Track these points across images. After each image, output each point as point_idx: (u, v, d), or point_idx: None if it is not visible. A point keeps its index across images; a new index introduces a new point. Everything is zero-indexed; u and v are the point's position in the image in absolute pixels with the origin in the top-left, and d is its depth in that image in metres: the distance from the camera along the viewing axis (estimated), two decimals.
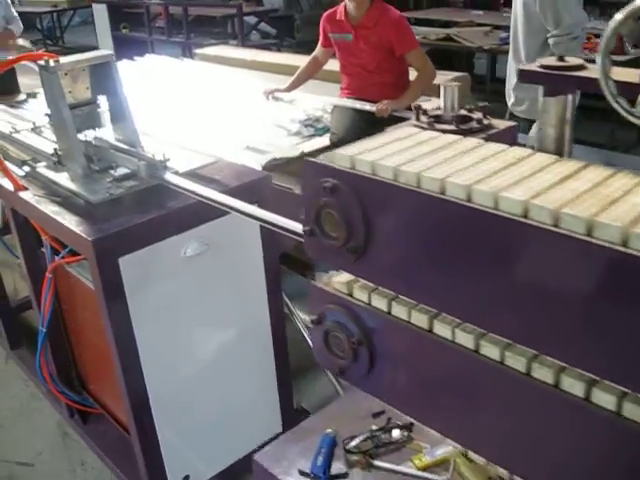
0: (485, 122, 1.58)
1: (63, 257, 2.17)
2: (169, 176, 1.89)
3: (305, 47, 9.80)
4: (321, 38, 3.65)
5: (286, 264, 2.27)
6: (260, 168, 2.84)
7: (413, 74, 3.51)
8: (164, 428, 2.13)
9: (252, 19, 9.36)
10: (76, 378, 2.63)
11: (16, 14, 5.65)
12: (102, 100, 2.23)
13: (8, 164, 2.34)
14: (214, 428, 2.29)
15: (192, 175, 2.02)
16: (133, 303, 1.92)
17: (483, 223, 0.93)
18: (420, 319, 1.11)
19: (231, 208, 1.71)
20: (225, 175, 2.09)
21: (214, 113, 3.61)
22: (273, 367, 2.41)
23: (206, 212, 1.89)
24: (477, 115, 1.60)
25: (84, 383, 2.64)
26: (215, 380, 2.24)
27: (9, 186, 2.22)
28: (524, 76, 1.56)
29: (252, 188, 2.06)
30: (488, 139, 1.29)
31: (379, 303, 1.20)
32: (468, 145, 1.11)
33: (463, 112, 1.62)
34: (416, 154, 1.09)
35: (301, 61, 4.00)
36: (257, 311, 2.28)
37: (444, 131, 1.27)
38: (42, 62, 2.04)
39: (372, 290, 1.22)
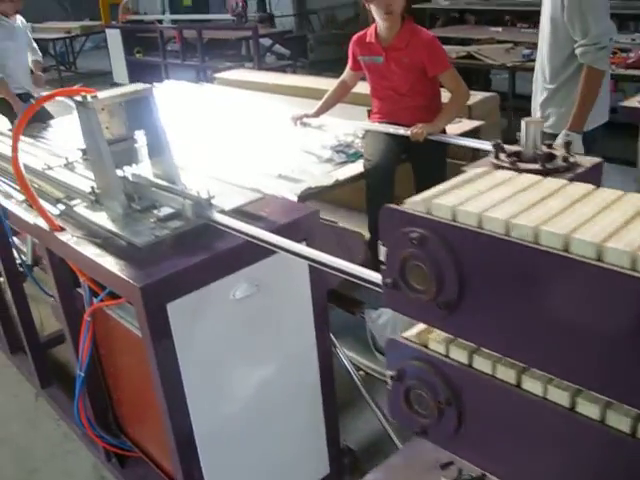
0: (571, 160, 1.47)
1: (102, 300, 2.09)
2: (216, 215, 1.81)
3: (319, 67, 9.82)
4: (350, 61, 3.57)
5: (332, 300, 2.17)
6: (295, 198, 2.77)
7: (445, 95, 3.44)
8: (210, 471, 2.03)
9: (266, 41, 9.33)
10: (113, 421, 2.54)
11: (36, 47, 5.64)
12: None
13: (44, 203, 2.27)
14: (261, 470, 2.19)
15: (238, 213, 1.93)
16: (180, 347, 1.83)
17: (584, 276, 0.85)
18: (508, 375, 1.04)
19: (281, 248, 1.63)
20: (272, 211, 2.00)
21: (242, 140, 3.54)
22: (320, 405, 2.31)
23: (255, 252, 1.81)
24: (561, 152, 1.50)
25: (121, 426, 2.55)
26: (262, 421, 2.15)
27: (44, 225, 2.15)
28: (626, 113, 1.47)
29: (300, 225, 1.98)
30: (575, 179, 1.20)
31: (466, 358, 1.12)
32: (578, 191, 1.02)
33: (545, 149, 1.52)
34: (521, 203, 1.00)
35: (325, 84, 3.94)
36: (304, 349, 2.18)
37: (529, 171, 1.18)
38: (79, 98, 1.97)
39: (460, 346, 1.13)
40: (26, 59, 5.32)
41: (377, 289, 1.36)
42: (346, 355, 2.45)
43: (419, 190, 3.32)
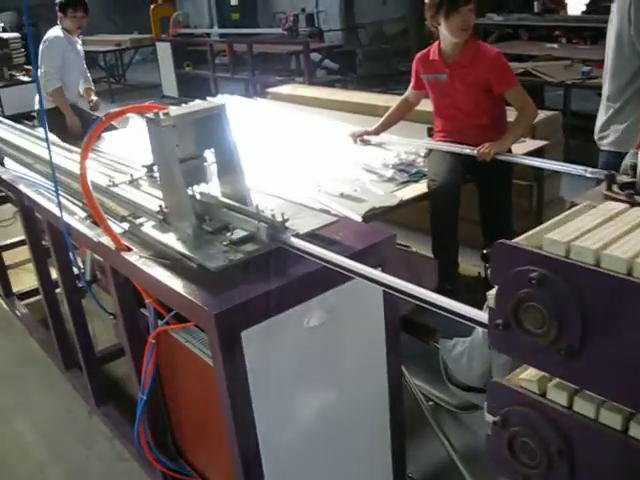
0: None
1: (168, 322, 2.03)
2: (292, 240, 1.73)
3: (366, 82, 9.76)
4: (413, 80, 3.50)
5: (403, 327, 2.08)
6: (360, 218, 2.70)
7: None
8: None
9: (315, 55, 9.31)
10: (172, 445, 2.48)
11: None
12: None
13: (109, 220, 2.23)
14: None
15: (313, 236, 1.86)
16: (252, 374, 1.75)
17: None
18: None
19: (361, 276, 1.55)
20: (347, 236, 1.92)
21: (301, 157, 3.48)
22: (388, 435, 2.21)
23: (330, 278, 1.73)
24: None
25: (181, 450, 2.48)
26: (329, 448, 2.06)
27: (109, 244, 2.10)
28: None
29: (377, 250, 1.89)
30: None
31: (587, 409, 1.02)
32: None
33: None
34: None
35: (377, 100, 3.88)
36: (374, 377, 2.09)
37: None
38: (151, 115, 1.92)
39: (575, 392, 1.04)
40: (80, 74, 5.36)
41: (475, 325, 1.27)
42: (415, 383, 2.36)
43: (484, 211, 3.23)
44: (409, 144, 3.50)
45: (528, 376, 1.10)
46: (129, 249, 2.06)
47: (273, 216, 1.80)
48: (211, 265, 1.73)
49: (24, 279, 4.31)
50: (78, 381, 3.22)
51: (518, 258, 1.01)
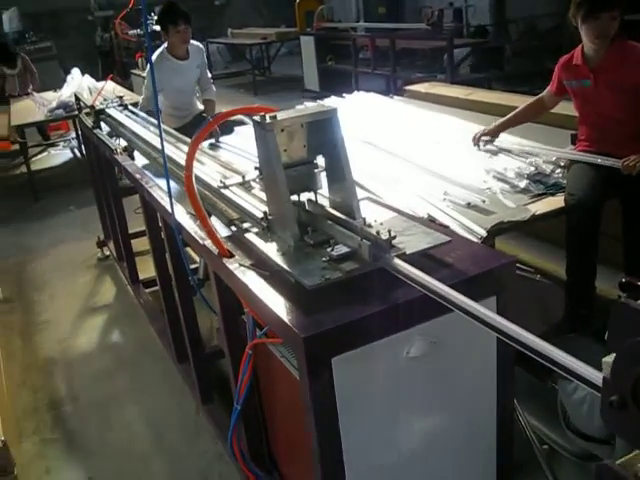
0: None
1: (266, 334, 1.93)
2: (395, 262, 1.58)
3: (514, 80, 9.31)
4: (553, 82, 3.21)
5: (519, 361, 1.87)
6: (484, 232, 2.49)
7: None
8: None
9: (461, 51, 8.99)
10: (267, 456, 2.39)
11: (210, 76, 5.12)
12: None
13: (216, 222, 2.17)
14: None
15: (421, 257, 1.70)
16: (341, 399, 1.62)
17: None
18: None
19: (463, 310, 1.37)
20: (460, 258, 1.74)
21: (428, 162, 3.29)
22: (494, 477, 2.02)
23: (435, 306, 1.56)
24: None
25: (276, 462, 2.40)
26: None
27: (213, 249, 2.03)
28: None
29: (492, 277, 1.70)
30: None
31: None
32: None
33: None
34: None
35: (522, 102, 3.57)
36: (482, 414, 1.90)
37: None
38: (257, 118, 1.82)
39: None
40: (190, 90, 4.93)
41: (592, 390, 1.07)
42: (529, 423, 2.13)
43: (627, 232, 2.87)
44: (548, 153, 3.21)
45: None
46: (231, 255, 1.98)
47: (378, 233, 1.64)
48: (306, 283, 1.60)
49: (151, 267, 4.41)
50: (188, 375, 3.22)
51: None
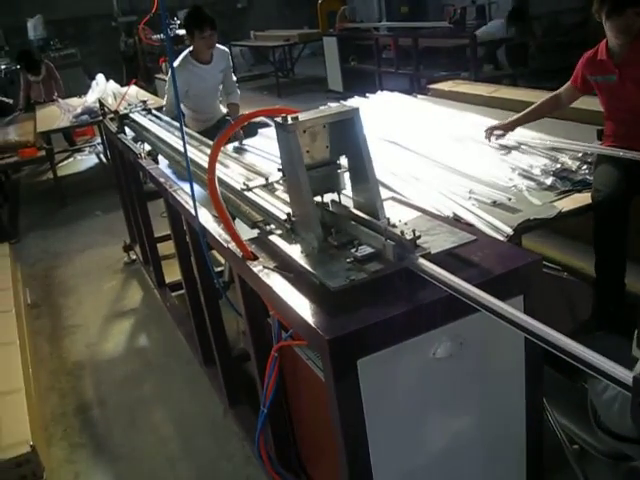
0: None
1: (292, 336, 1.92)
2: (420, 262, 1.56)
3: (539, 77, 9.20)
4: (575, 77, 3.16)
5: (548, 360, 1.84)
6: (510, 230, 2.46)
7: None
8: None
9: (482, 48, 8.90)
10: (296, 459, 2.38)
11: (235, 80, 5.10)
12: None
13: (240, 225, 2.17)
14: None
15: (446, 257, 1.67)
16: (368, 402, 1.61)
17: None
18: None
19: (489, 310, 1.35)
20: (486, 258, 1.71)
21: (453, 160, 3.26)
22: (524, 478, 1.99)
23: (462, 305, 1.54)
24: None
25: (303, 465, 2.39)
26: None
27: (237, 251, 2.03)
28: None
29: (518, 276, 1.67)
30: None
31: None
32: None
33: None
34: None
35: None
36: (510, 414, 1.87)
37: None
38: (279, 119, 1.81)
39: None
40: (213, 95, 4.92)
41: (622, 390, 1.04)
42: (559, 423, 2.10)
43: None
44: (572, 147, 3.17)
45: None
46: (255, 257, 1.98)
47: (402, 233, 1.62)
48: (331, 284, 1.59)
49: (177, 270, 4.43)
50: (215, 377, 3.22)
51: None
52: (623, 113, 3.00)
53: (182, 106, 4.57)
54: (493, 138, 3.41)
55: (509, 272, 1.66)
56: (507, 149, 3.35)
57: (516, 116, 3.42)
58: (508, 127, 3.39)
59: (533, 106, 3.38)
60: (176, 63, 4.51)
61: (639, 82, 2.89)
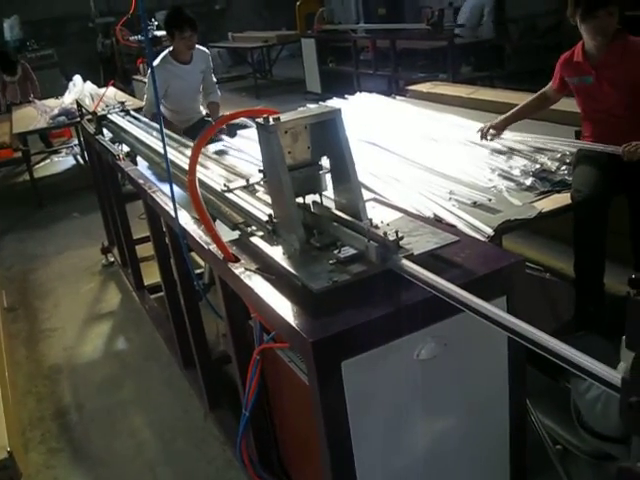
0: None
1: (274, 339, 1.91)
2: (403, 263, 1.56)
3: (516, 79, 9.27)
4: (555, 79, 3.20)
5: (530, 360, 1.85)
6: (491, 231, 2.46)
7: None
8: None
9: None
10: (277, 463, 2.37)
11: (215, 81, 5.09)
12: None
13: (220, 226, 2.15)
14: None
15: (429, 258, 1.67)
16: (351, 403, 1.60)
17: None
18: None
19: (473, 310, 1.35)
20: (468, 258, 1.72)
21: (432, 161, 3.27)
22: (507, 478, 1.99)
23: (446, 306, 1.54)
24: None
25: (286, 468, 2.37)
26: None
27: (218, 253, 2.01)
28: None
29: (501, 277, 1.68)
30: None
31: None
32: None
33: None
34: None
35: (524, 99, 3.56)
36: (494, 413, 1.88)
37: None
38: (261, 120, 1.80)
39: None
40: (193, 95, 4.92)
41: (608, 390, 1.04)
42: (542, 423, 2.11)
43: (635, 227, 2.83)
44: (548, 142, 3.19)
45: None
46: (237, 259, 1.96)
47: (385, 234, 1.62)
48: (313, 286, 1.58)
49: (156, 273, 4.40)
50: (195, 381, 3.20)
51: None
52: (600, 114, 3.02)
53: (161, 107, 4.54)
54: (489, 137, 3.42)
55: (492, 273, 1.66)
56: (492, 150, 3.36)
57: (506, 115, 3.44)
58: (500, 126, 3.41)
59: (522, 104, 3.42)
60: (155, 62, 4.49)
61: (615, 83, 2.92)
